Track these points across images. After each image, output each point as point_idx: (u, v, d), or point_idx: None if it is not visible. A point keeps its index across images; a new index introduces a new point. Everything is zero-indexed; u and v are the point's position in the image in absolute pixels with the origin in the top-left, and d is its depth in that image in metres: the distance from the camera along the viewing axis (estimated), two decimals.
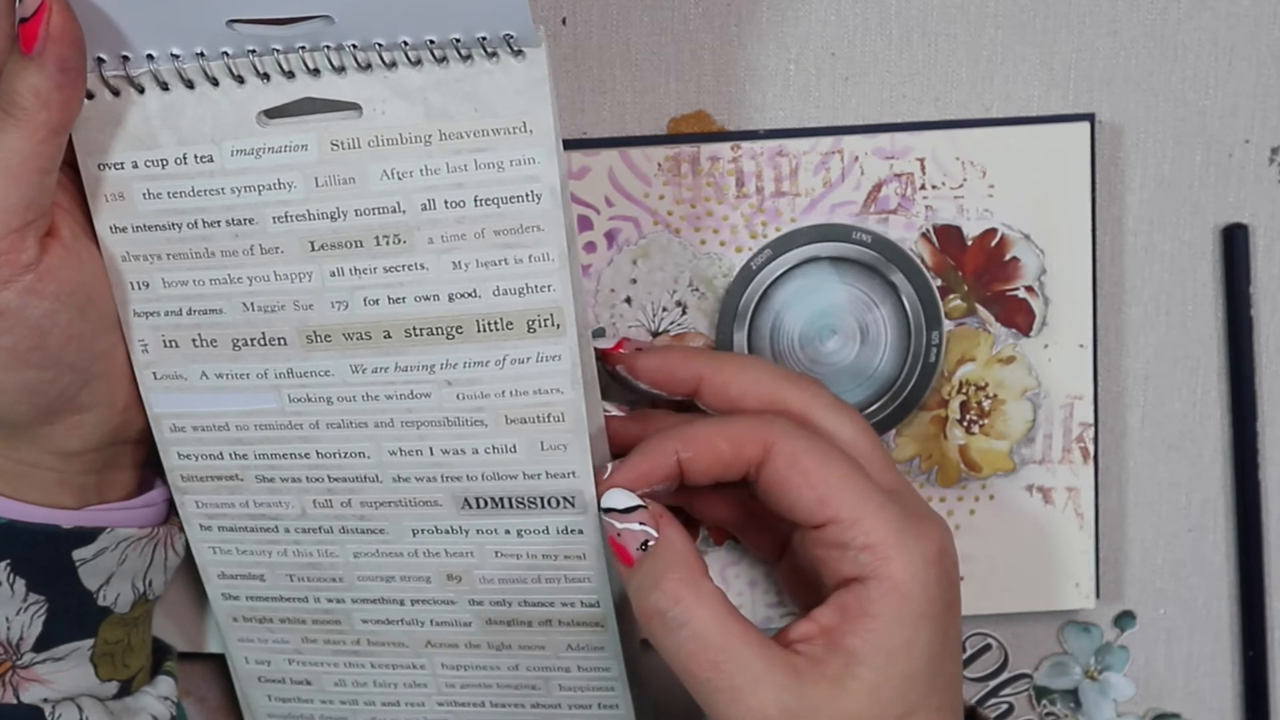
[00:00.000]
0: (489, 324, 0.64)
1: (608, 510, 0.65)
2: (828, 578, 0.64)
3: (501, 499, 0.68)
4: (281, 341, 0.65)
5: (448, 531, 0.69)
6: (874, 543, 0.62)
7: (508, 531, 0.69)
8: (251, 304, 0.65)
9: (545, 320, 0.63)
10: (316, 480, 0.69)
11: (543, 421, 0.66)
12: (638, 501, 0.65)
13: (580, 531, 0.68)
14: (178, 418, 0.68)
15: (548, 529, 0.68)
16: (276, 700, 0.76)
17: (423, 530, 0.69)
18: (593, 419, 0.66)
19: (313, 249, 0.63)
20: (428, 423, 0.66)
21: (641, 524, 0.65)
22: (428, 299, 0.64)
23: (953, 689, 0.64)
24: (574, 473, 0.67)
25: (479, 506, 0.68)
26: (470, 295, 0.63)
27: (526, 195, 0.61)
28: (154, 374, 0.67)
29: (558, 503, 0.67)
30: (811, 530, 0.64)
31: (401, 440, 0.67)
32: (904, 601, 0.62)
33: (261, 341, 0.66)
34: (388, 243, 0.63)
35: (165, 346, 0.66)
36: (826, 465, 0.64)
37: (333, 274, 0.64)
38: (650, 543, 0.64)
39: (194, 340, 0.66)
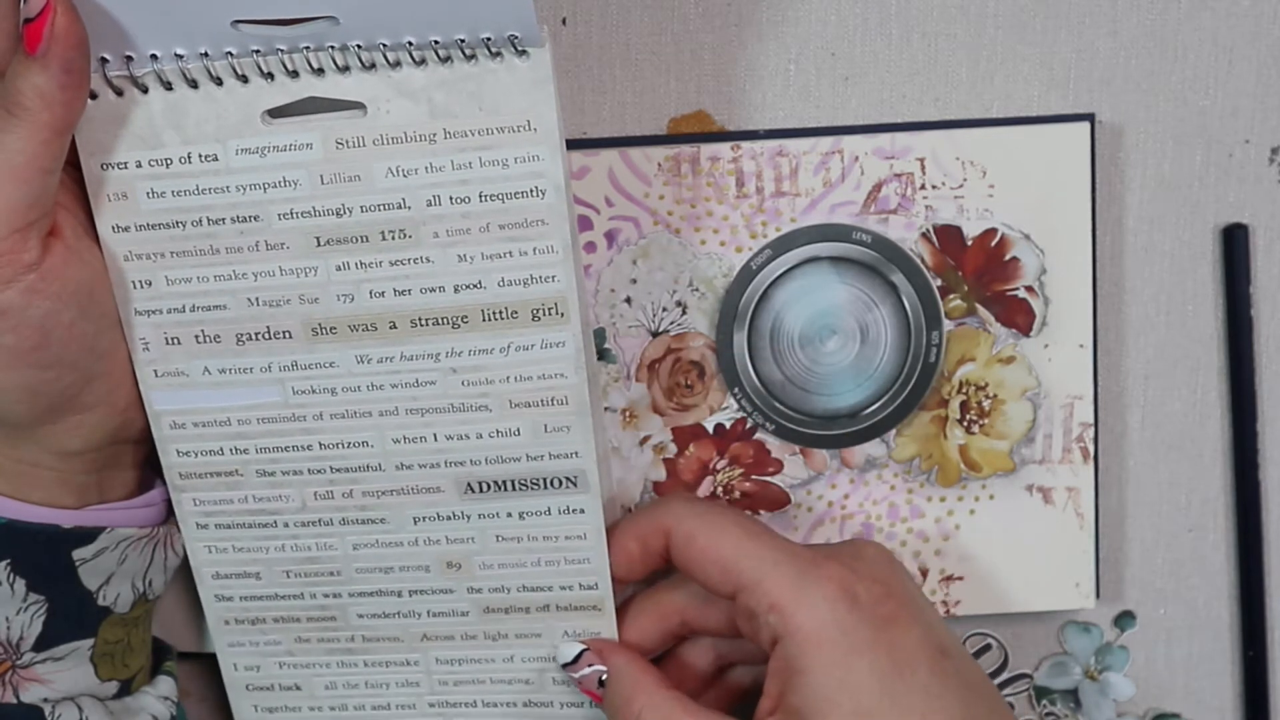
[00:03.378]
0: (494, 313, 0.64)
1: (563, 666, 0.71)
2: (764, 649, 0.66)
3: (504, 482, 0.68)
4: (286, 335, 0.66)
5: (449, 518, 0.70)
6: (775, 601, 0.65)
7: (509, 514, 0.69)
8: (256, 299, 0.65)
9: (550, 309, 0.64)
10: (318, 472, 0.69)
11: (546, 405, 0.66)
12: (580, 647, 0.71)
13: (582, 511, 0.69)
14: (178, 414, 0.68)
15: (550, 510, 0.69)
16: (264, 710, 0.76)
17: (424, 518, 0.70)
18: (594, 402, 0.67)
19: (318, 244, 0.64)
20: (432, 409, 0.67)
21: (590, 665, 0.70)
22: (433, 290, 0.64)
23: (931, 699, 0.64)
24: (577, 453, 0.68)
25: (482, 491, 0.69)
26: (475, 286, 0.64)
27: (531, 191, 0.62)
28: (155, 371, 0.67)
29: (560, 483, 0.68)
30: (731, 604, 0.67)
31: (406, 428, 0.68)
32: (821, 646, 0.63)
33: (266, 335, 0.66)
34: (393, 238, 0.63)
35: (167, 344, 0.66)
36: (721, 535, 0.67)
37: (338, 268, 0.64)
38: (604, 677, 0.70)
39: (197, 336, 0.66)
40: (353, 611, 0.73)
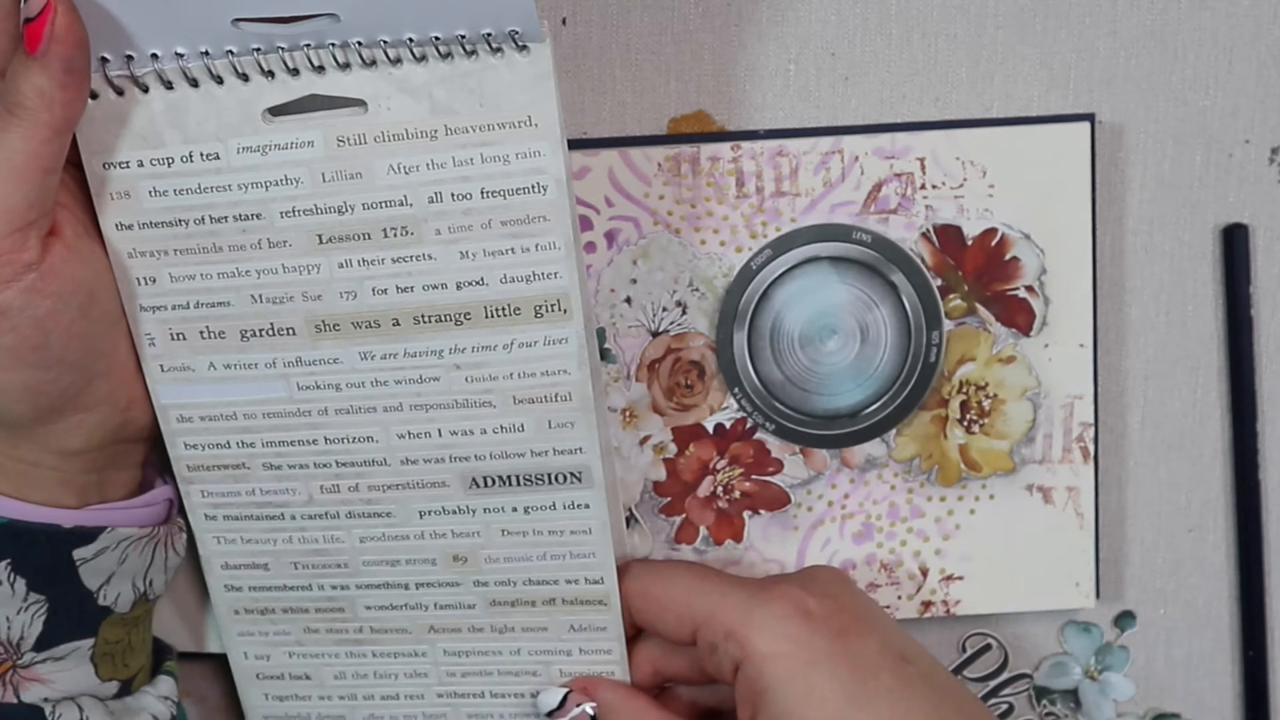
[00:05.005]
0: (497, 310, 0.65)
1: (549, 714, 0.72)
2: (729, 680, 0.67)
3: (509, 477, 0.69)
4: (290, 331, 0.66)
5: (455, 512, 0.70)
6: (730, 629, 0.66)
7: (515, 509, 0.69)
8: (260, 296, 0.65)
9: (552, 305, 0.64)
10: (324, 466, 0.69)
11: (550, 401, 0.67)
12: (562, 692, 0.72)
13: (587, 506, 0.69)
14: (185, 408, 0.68)
15: (555, 505, 0.69)
16: (274, 699, 0.76)
17: (430, 512, 0.70)
18: (598, 398, 0.67)
19: (320, 242, 0.64)
20: (436, 405, 0.67)
21: (579, 705, 0.72)
22: (436, 287, 0.64)
23: (897, 701, 0.64)
24: (581, 448, 0.68)
25: (487, 486, 0.69)
26: (478, 283, 0.64)
27: (532, 187, 0.62)
28: (161, 366, 0.67)
29: (565, 478, 0.68)
30: (696, 649, 0.68)
31: (410, 423, 0.68)
32: (779, 661, 0.64)
33: (270, 332, 0.66)
34: (395, 235, 0.63)
35: (172, 339, 0.66)
36: (670, 583, 0.69)
37: (341, 265, 0.64)
38: (592, 711, 0.72)
39: (201, 332, 0.66)
40: (360, 603, 0.73)
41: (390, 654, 0.74)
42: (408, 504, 0.70)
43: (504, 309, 0.65)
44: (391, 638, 0.74)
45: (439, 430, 0.68)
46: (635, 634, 0.73)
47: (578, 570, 0.71)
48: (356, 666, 0.75)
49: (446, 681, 0.75)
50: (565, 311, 0.64)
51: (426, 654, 0.74)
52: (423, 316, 0.65)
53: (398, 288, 0.65)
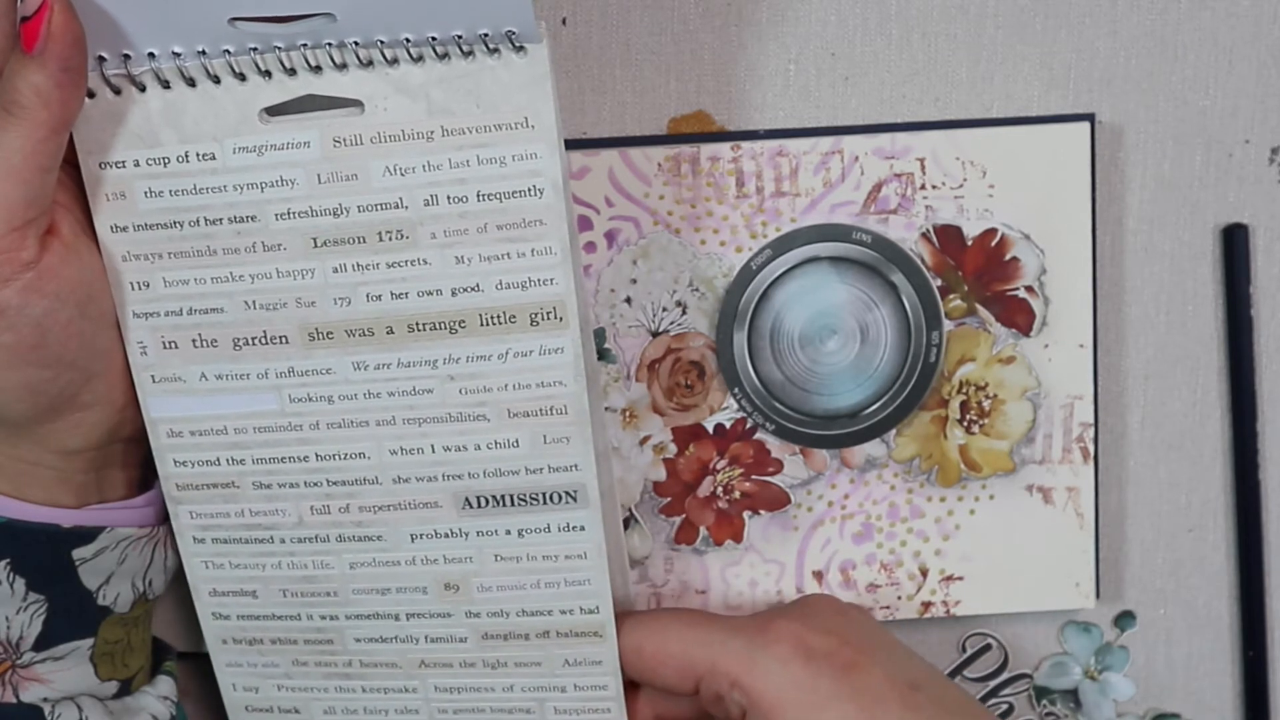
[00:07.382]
0: (492, 318, 0.64)
1: None
2: None
3: (503, 497, 0.68)
4: (283, 340, 0.65)
5: (447, 535, 0.69)
6: (735, 678, 0.66)
7: (508, 532, 0.68)
8: (253, 302, 0.65)
9: (548, 313, 0.64)
10: (315, 485, 0.68)
11: (545, 415, 0.66)
12: None
13: (582, 528, 0.68)
14: (175, 422, 0.68)
15: (549, 527, 0.68)
16: None
17: (422, 535, 0.69)
18: (594, 413, 0.66)
19: (315, 245, 0.63)
20: (430, 419, 0.66)
21: None
22: (430, 294, 0.64)
23: None
24: (576, 466, 0.67)
25: (480, 506, 0.68)
26: (473, 289, 0.64)
27: (529, 190, 0.62)
28: (152, 377, 0.67)
29: (560, 498, 0.67)
30: (700, 698, 0.68)
31: (403, 439, 0.67)
32: (786, 708, 0.65)
33: (263, 340, 0.65)
34: (390, 238, 0.63)
35: (164, 348, 0.66)
36: (665, 635, 0.69)
37: (335, 270, 0.64)
38: None
39: (194, 341, 0.66)
40: (350, 635, 0.72)
41: (380, 689, 0.73)
42: (399, 526, 0.69)
43: (499, 316, 0.64)
44: (381, 672, 0.73)
45: (432, 446, 0.67)
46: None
47: (573, 599, 0.69)
48: (346, 701, 0.74)
49: (438, 718, 0.74)
50: (561, 320, 0.64)
51: (417, 689, 0.73)
52: (417, 324, 0.65)
53: (392, 294, 0.64)
